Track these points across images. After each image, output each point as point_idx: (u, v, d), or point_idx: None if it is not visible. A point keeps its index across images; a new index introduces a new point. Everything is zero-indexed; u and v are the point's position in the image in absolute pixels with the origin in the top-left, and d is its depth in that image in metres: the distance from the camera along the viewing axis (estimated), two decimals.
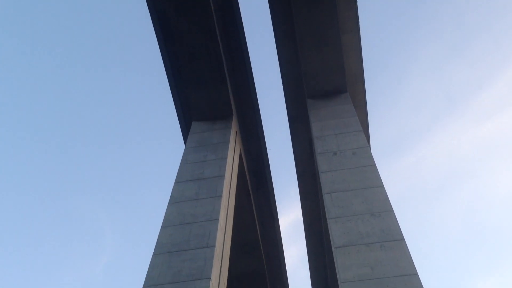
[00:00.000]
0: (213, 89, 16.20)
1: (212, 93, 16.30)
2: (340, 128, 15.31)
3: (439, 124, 40.27)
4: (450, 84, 38.90)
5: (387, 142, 41.41)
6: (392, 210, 11.37)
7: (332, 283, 20.68)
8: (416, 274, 9.58)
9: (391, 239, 10.53)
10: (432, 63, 38.51)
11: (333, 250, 10.72)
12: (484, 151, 40.57)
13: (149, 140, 45.26)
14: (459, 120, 40.12)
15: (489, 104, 38.38)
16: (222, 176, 13.76)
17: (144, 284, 10.39)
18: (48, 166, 41.33)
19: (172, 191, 13.46)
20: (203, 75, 15.93)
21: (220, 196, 12.87)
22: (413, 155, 41.90)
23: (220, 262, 11.36)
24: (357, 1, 16.25)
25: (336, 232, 11.11)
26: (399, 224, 10.96)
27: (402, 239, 10.50)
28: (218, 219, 11.97)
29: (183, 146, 17.04)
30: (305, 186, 19.70)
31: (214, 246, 11.10)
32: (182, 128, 17.65)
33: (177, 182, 13.86)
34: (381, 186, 12.31)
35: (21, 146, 40.47)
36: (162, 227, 12.07)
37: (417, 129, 41.63)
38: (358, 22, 16.69)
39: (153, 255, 11.19)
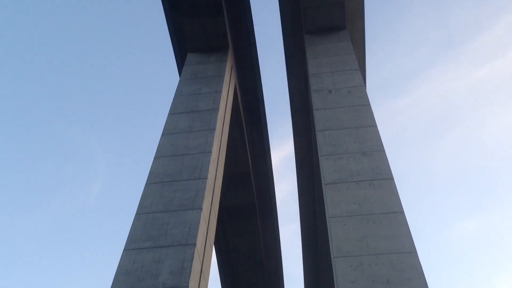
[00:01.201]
0: (209, 19, 15.82)
1: (207, 24, 15.94)
2: (337, 66, 15.15)
3: (436, 66, 39.96)
4: (451, 26, 38.23)
5: (383, 81, 41.22)
6: (384, 150, 11.49)
7: (320, 218, 21.23)
8: (402, 212, 9.84)
9: (381, 177, 10.71)
10: (434, 2, 37.63)
11: (323, 186, 10.91)
12: (478, 95, 40.58)
13: (144, 71, 44.72)
14: (456, 62, 39.79)
15: (488, 47, 37.97)
16: (216, 110, 13.74)
17: (136, 212, 10.62)
18: (41, 93, 41.00)
19: (165, 123, 13.46)
20: (199, 4, 15.51)
21: (214, 129, 12.91)
22: (408, 96, 41.87)
23: (211, 194, 11.57)
24: None
25: (327, 169, 11.27)
26: (390, 164, 11.13)
27: (391, 178, 10.68)
28: (210, 152, 12.08)
29: (177, 78, 16.88)
30: (299, 122, 19.76)
31: (206, 178, 11.26)
32: (177, 59, 17.40)
33: (170, 113, 13.84)
34: (374, 125, 12.36)
35: (14, 72, 39.92)
36: (155, 158, 12.18)
37: (414, 70, 41.36)
38: None
39: (145, 184, 11.36)
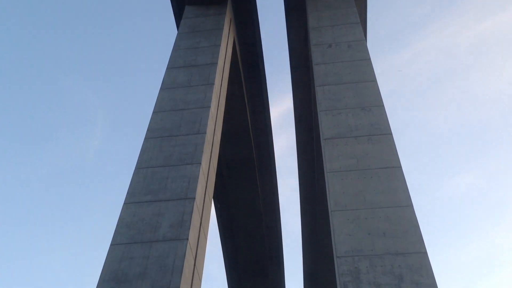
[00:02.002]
0: None
1: None
2: (337, 19, 14.90)
3: (438, 19, 39.31)
4: None
5: (384, 35, 40.63)
6: (383, 105, 11.47)
7: (318, 173, 21.41)
8: (400, 167, 9.92)
9: (379, 133, 10.74)
10: None
11: (322, 141, 10.95)
12: (480, 50, 40.10)
13: (141, 24, 44.01)
14: (459, 15, 39.09)
15: (491, 0, 37.20)
16: (215, 64, 13.60)
17: (136, 166, 10.70)
18: (36, 47, 40.48)
19: (163, 77, 13.36)
20: None
21: (212, 83, 12.83)
22: (409, 50, 41.37)
23: (210, 149, 11.62)
24: None
25: (326, 124, 11.28)
26: (388, 119, 11.13)
27: (390, 133, 10.71)
28: (209, 107, 12.05)
29: (175, 31, 16.62)
30: (298, 77, 19.59)
31: (205, 132, 11.28)
32: (175, 12, 17.07)
33: (169, 68, 13.71)
34: (374, 80, 12.29)
35: (10, 25, 39.28)
36: (153, 112, 12.16)
37: (416, 24, 40.69)
38: None
39: (144, 139, 11.40)
